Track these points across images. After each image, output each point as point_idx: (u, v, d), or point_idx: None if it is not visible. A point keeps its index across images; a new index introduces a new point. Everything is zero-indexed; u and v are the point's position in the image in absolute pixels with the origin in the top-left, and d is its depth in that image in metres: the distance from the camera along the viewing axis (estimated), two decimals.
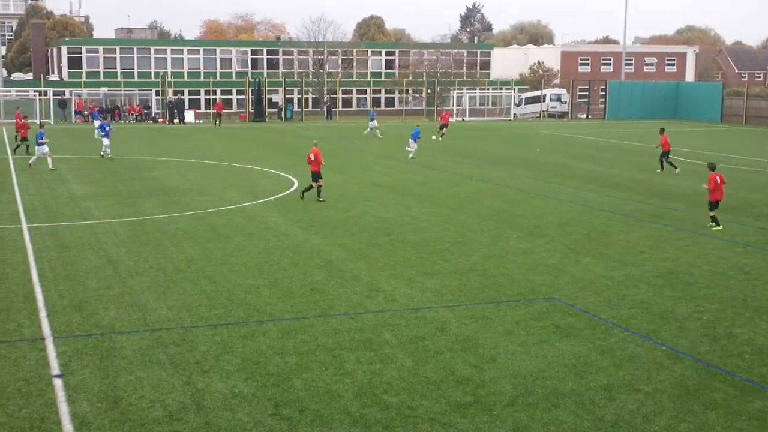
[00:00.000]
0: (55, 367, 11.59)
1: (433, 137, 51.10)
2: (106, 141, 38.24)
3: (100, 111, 63.23)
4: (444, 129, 52.60)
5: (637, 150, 46.51)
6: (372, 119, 55.08)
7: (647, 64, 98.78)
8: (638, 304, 15.10)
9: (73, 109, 68.33)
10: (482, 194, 28.32)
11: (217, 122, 64.03)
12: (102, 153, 38.18)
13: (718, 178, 22.04)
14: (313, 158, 25.94)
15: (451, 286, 16.21)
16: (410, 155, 39.50)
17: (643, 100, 78.41)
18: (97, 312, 14.19)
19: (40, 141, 34.29)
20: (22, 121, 41.13)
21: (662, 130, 36.18)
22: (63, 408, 10.25)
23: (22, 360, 11.87)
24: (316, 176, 26.00)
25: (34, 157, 34.27)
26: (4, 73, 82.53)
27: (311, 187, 26.23)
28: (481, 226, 22.44)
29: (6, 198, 26.57)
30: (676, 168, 34.77)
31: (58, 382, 11.04)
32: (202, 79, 77.00)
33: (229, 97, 78.21)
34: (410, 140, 40.14)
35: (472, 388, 11.02)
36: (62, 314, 14.04)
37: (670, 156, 35.34)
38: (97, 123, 52.75)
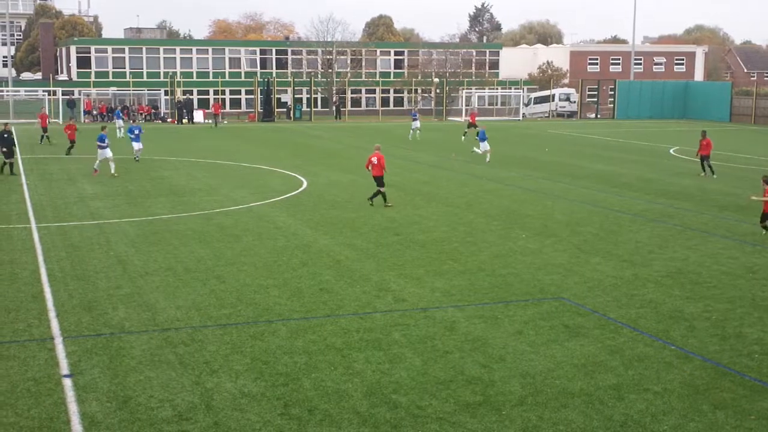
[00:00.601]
0: (64, 367, 11.62)
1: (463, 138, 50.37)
2: (137, 146, 37.00)
3: (123, 109, 63.28)
4: (470, 128, 51.76)
5: (647, 150, 46.38)
6: (415, 119, 52.63)
7: (656, 64, 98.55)
8: (647, 303, 15.06)
9: (82, 109, 68.53)
10: (491, 194, 28.30)
11: (215, 123, 62.93)
12: (135, 157, 37.09)
13: None
14: (376, 161, 25.11)
15: (460, 285, 16.20)
16: (486, 158, 38.27)
17: (653, 100, 78.22)
18: (107, 312, 14.23)
19: (102, 144, 32.14)
20: (69, 123, 41.50)
21: (704, 133, 34.34)
22: (72, 408, 10.27)
23: (31, 360, 11.90)
24: (380, 181, 25.23)
25: (98, 161, 32.45)
26: (13, 72, 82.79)
27: (379, 192, 25.35)
28: (489, 225, 22.42)
29: (15, 198, 26.66)
30: (703, 171, 33.57)
31: (67, 382, 11.07)
32: (211, 79, 77.18)
33: (238, 96, 78.40)
34: (480, 142, 38.78)
35: (482, 388, 11.01)
36: (71, 314, 14.08)
37: (708, 159, 33.71)
38: (119, 122, 52.85)
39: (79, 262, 17.75)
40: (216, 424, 9.88)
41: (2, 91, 68.94)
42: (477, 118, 55.08)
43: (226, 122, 64.76)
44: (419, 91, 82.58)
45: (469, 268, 17.62)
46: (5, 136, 32.21)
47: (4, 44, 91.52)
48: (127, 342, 12.69)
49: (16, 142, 32.78)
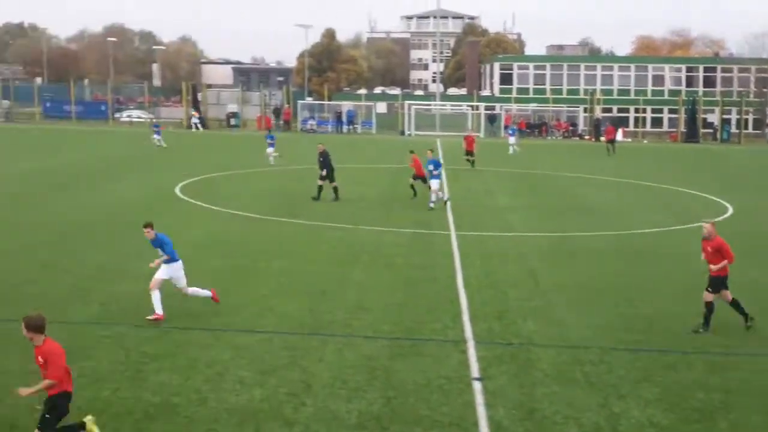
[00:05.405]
0: (475, 371, 11.93)
1: None
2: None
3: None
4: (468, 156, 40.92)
5: None
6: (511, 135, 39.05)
7: None
8: None
9: (501, 124, 71.25)
10: None
11: (612, 149, 51.67)
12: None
13: None
14: None
15: None
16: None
17: None
18: (516, 322, 14.39)
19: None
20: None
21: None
22: (480, 411, 10.47)
23: (445, 359, 12.40)
24: None
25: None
26: (441, 88, 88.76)
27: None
28: None
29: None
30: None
31: (477, 385, 11.33)
32: (632, 97, 75.72)
33: (660, 115, 75.92)
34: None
35: None
36: (483, 320, 14.45)
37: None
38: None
39: (492, 271, 18.25)
40: None
41: (430, 105, 74.24)
42: None
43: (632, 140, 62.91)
44: None
45: None
46: (321, 159, 28.47)
47: (434, 61, 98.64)
48: (535, 354, 12.70)
49: (333, 165, 28.57)
